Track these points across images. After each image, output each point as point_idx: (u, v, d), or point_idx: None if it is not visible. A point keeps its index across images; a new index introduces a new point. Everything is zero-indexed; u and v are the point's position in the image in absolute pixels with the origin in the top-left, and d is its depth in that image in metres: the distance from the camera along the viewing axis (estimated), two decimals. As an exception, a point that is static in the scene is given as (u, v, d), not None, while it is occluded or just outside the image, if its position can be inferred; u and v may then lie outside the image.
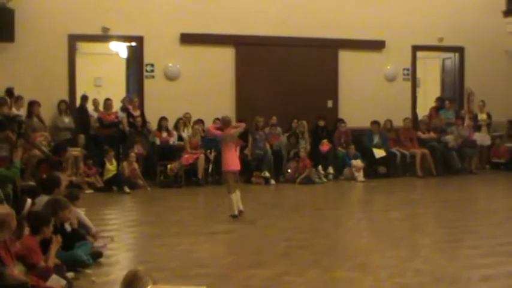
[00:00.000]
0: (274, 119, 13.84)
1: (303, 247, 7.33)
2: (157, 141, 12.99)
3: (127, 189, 11.72)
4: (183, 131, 13.37)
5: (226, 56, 14.07)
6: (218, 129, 9.99)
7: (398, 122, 14.58)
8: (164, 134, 13.05)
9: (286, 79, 14.30)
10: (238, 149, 12.55)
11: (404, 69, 15.41)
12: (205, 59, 13.83)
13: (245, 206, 8.63)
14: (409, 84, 15.49)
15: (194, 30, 13.68)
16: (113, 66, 16.27)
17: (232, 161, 9.13)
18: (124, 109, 13.53)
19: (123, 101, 14.02)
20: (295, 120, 13.97)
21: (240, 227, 8.66)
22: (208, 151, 12.67)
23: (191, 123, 13.47)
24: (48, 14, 12.81)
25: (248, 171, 13.10)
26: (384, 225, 8.99)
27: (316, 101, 14.44)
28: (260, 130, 13.46)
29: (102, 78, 17.09)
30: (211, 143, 12.54)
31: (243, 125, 9.88)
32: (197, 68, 13.76)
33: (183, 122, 13.36)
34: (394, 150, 14.17)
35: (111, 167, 12.14)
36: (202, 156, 12.55)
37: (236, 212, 8.96)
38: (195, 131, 13.01)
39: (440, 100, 15.81)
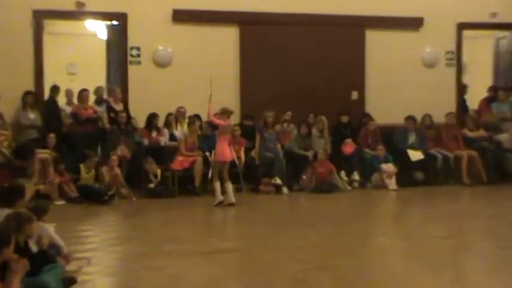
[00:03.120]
0: (288, 115, 13.82)
1: (321, 270, 7.30)
2: (146, 142, 12.99)
3: (106, 198, 11.75)
4: (176, 128, 13.37)
5: (228, 37, 14.13)
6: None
7: (439, 118, 14.56)
8: (154, 134, 13.06)
9: (301, 65, 14.31)
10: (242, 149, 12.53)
11: (447, 52, 15.41)
12: (203, 41, 13.87)
13: (252, 219, 8.59)
14: (453, 70, 15.50)
15: (189, 5, 13.74)
16: (90, 49, 16.35)
17: (223, 152, 11.26)
18: (101, 101, 13.52)
19: (96, 91, 13.90)
20: (312, 115, 13.96)
21: (246, 245, 8.66)
22: (208, 153, 12.64)
23: (186, 119, 13.47)
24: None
25: (255, 177, 13.10)
26: (422, 243, 8.96)
27: (337, 92, 14.48)
28: (270, 128, 13.43)
29: (77, 64, 17.16)
30: (211, 142, 12.49)
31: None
32: (193, 52, 13.84)
33: (174, 117, 13.36)
34: (434, 152, 14.17)
35: (86, 176, 12.20)
36: (200, 159, 12.54)
37: (220, 199, 11.03)
38: (192, 129, 12.98)
39: (493, 90, 15.76)
